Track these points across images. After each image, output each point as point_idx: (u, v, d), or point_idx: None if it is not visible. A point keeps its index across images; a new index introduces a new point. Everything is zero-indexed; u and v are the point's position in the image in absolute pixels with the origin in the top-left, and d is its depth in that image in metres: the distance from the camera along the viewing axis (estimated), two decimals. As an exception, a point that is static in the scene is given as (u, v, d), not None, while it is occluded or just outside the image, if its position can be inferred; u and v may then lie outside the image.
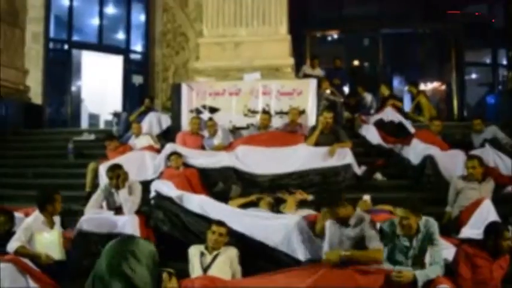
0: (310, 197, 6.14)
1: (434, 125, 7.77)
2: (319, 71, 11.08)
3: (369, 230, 4.15)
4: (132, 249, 3.80)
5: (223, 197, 6.25)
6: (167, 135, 8.70)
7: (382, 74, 13.72)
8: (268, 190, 6.50)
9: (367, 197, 5.84)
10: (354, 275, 3.86)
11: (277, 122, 8.26)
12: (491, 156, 6.64)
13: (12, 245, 4.65)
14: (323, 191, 6.43)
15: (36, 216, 5.00)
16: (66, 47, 12.87)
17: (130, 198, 5.56)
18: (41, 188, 5.44)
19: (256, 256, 4.87)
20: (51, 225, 5.01)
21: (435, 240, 4.06)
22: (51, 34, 12.45)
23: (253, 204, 6.04)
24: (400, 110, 9.42)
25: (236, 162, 6.92)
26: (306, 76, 10.45)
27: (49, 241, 4.79)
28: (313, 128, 7.36)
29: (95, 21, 13.27)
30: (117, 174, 5.65)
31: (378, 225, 4.40)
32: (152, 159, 7.31)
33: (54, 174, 8.28)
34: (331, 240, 4.30)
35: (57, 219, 5.13)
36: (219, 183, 6.63)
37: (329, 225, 4.37)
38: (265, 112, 8.21)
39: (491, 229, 4.18)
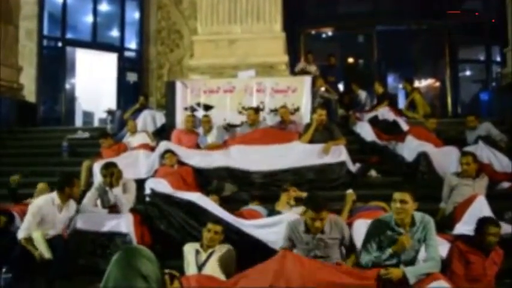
0: (304, 194, 6.14)
1: (430, 123, 7.81)
2: (314, 66, 11.08)
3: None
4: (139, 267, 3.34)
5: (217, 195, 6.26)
6: (162, 133, 8.69)
7: (377, 71, 13.72)
8: (263, 187, 6.53)
9: (350, 191, 6.03)
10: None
11: (271, 120, 8.27)
12: (485, 152, 6.69)
13: (19, 234, 4.92)
14: (317, 188, 6.49)
15: (49, 197, 5.15)
16: (60, 44, 12.79)
17: (125, 196, 5.57)
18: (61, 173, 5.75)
19: (253, 254, 4.90)
20: (62, 208, 5.16)
21: (431, 236, 3.96)
22: (45, 31, 12.37)
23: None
24: (396, 107, 9.47)
25: (230, 162, 6.90)
26: (302, 72, 10.45)
27: (36, 241, 4.92)
28: (308, 126, 7.37)
29: (89, 18, 13.18)
30: (111, 172, 5.65)
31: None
32: (146, 157, 7.30)
33: (49, 173, 8.24)
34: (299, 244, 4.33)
35: (72, 204, 5.30)
36: (214, 181, 6.63)
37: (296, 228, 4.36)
38: (251, 108, 8.16)
39: (478, 224, 4.22)
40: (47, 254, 4.83)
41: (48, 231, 5.07)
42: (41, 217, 5.00)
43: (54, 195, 5.16)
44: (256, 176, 6.77)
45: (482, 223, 4.20)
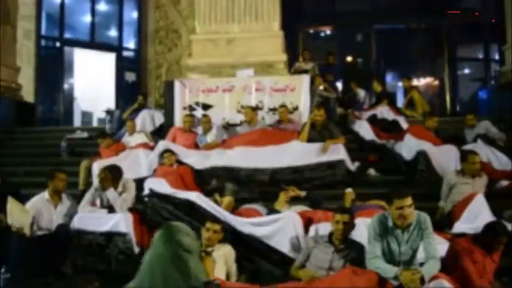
0: (303, 193, 6.14)
1: (431, 121, 7.74)
2: (311, 64, 11.05)
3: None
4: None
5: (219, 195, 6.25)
6: (160, 133, 8.67)
7: (375, 69, 13.72)
8: (262, 186, 6.52)
9: (349, 190, 6.03)
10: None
11: (270, 119, 8.25)
12: (484, 151, 6.67)
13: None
14: (316, 187, 6.49)
15: (42, 194, 5.43)
16: (58, 44, 12.79)
17: (124, 196, 5.54)
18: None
19: (251, 253, 4.90)
20: (56, 203, 5.41)
21: (429, 234, 3.89)
22: (43, 31, 12.38)
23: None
24: (394, 106, 9.46)
25: (228, 161, 6.89)
26: (299, 71, 10.42)
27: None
28: (305, 125, 7.36)
29: (87, 18, 13.20)
30: (101, 175, 5.66)
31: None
32: (146, 156, 7.28)
33: (47, 173, 8.21)
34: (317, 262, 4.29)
35: (67, 199, 5.54)
36: (213, 180, 6.62)
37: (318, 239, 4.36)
38: (249, 107, 8.15)
39: (490, 229, 4.16)
40: (26, 230, 4.98)
41: (50, 227, 5.26)
42: (36, 213, 5.23)
43: (45, 191, 5.45)
44: (256, 175, 6.76)
45: (496, 233, 4.13)
